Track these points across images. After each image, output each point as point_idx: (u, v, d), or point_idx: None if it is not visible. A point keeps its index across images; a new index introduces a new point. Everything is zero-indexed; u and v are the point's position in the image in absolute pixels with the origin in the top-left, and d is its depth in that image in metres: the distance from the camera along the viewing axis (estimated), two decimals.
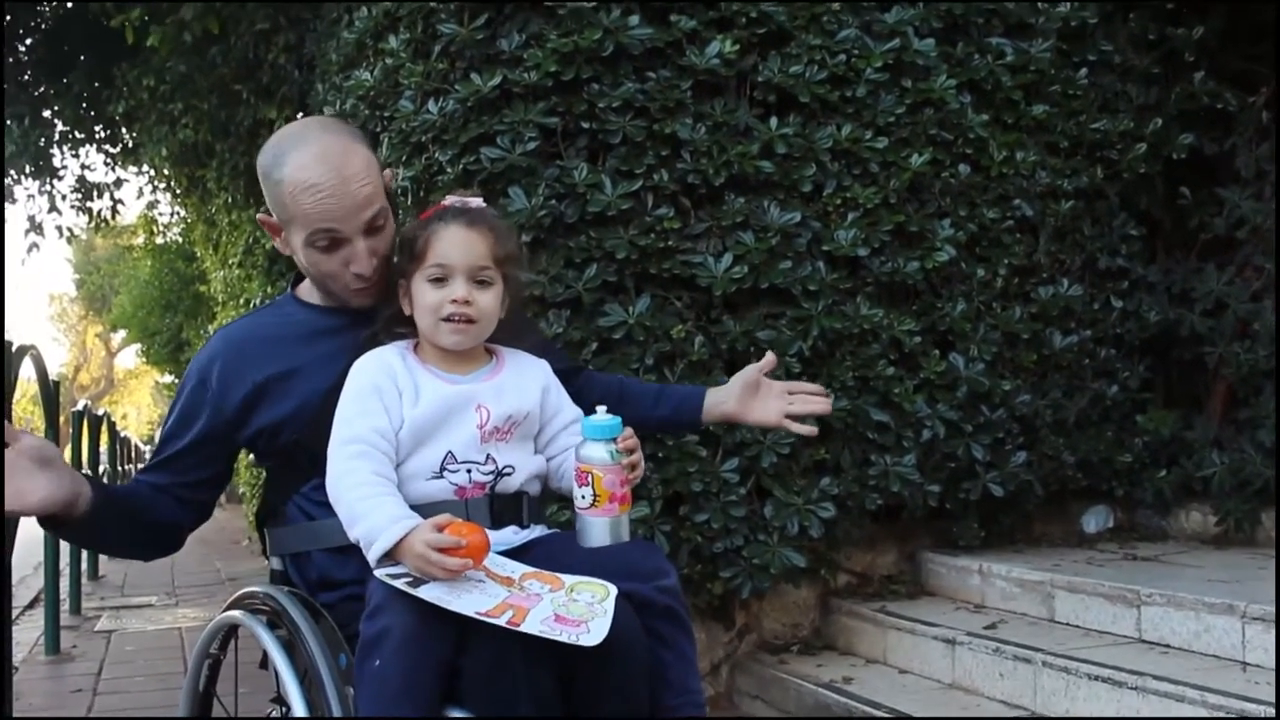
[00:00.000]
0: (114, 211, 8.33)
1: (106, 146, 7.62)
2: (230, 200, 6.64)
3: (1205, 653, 2.81)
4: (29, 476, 1.58)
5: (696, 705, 1.55)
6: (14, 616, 5.23)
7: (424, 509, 1.53)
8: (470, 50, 3.24)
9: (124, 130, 7.28)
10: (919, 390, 3.56)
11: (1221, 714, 2.42)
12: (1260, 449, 3.71)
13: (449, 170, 3.19)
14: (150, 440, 23.49)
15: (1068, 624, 3.20)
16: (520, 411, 1.66)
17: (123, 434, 12.95)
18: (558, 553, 1.60)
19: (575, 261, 3.20)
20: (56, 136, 7.28)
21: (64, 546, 5.11)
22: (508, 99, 3.19)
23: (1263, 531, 3.72)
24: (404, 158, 3.31)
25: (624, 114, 3.22)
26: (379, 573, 1.45)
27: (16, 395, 4.36)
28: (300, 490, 1.74)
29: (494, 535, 1.55)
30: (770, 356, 1.95)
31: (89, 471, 6.02)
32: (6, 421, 1.61)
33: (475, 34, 3.21)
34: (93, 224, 8.37)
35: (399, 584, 1.43)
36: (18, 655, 4.29)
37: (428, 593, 1.42)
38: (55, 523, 1.65)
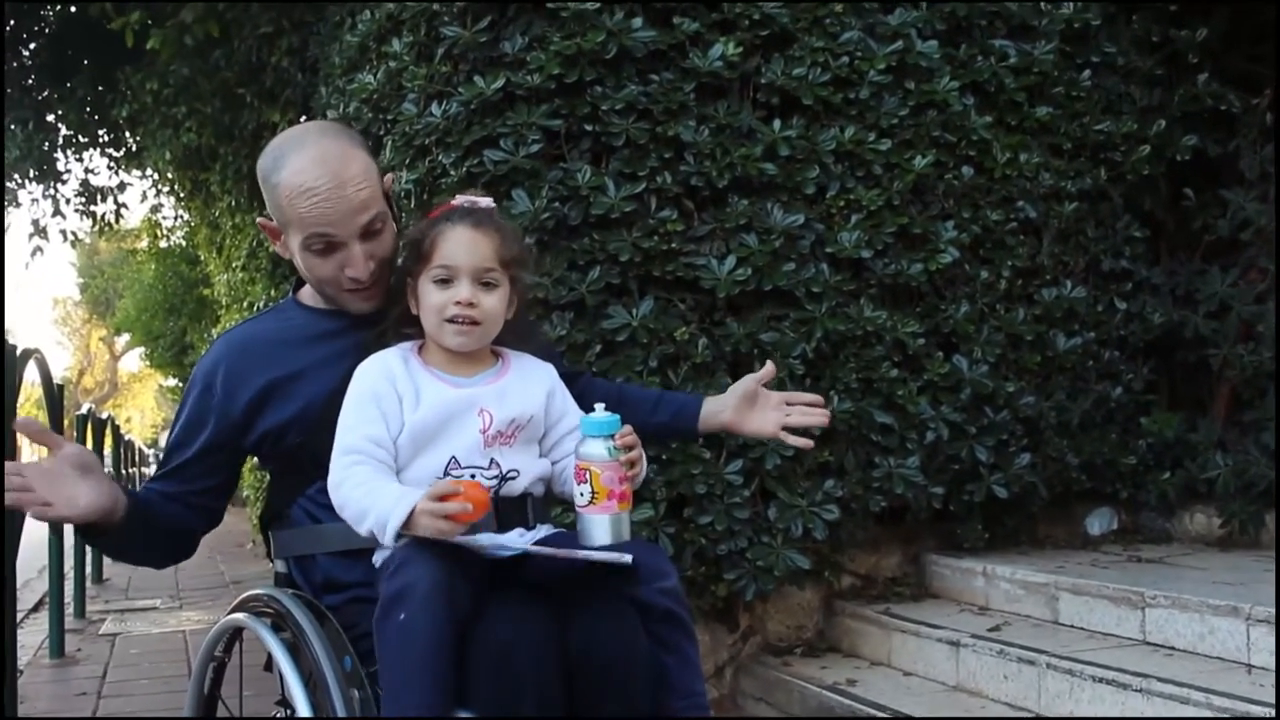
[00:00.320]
0: (118, 215, 8.37)
1: (110, 150, 7.65)
2: (234, 204, 6.64)
3: (1210, 655, 2.80)
4: (74, 484, 1.59)
5: (700, 707, 1.55)
6: (19, 620, 5.22)
7: None
8: (473, 53, 3.24)
9: (127, 134, 7.30)
10: (923, 392, 3.56)
11: (1226, 716, 2.41)
12: (1264, 451, 3.69)
13: (452, 173, 3.19)
14: (154, 444, 23.52)
15: (1072, 626, 3.20)
16: (523, 415, 1.65)
17: (127, 437, 12.94)
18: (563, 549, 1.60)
19: (578, 264, 3.20)
20: (60, 140, 7.31)
21: (68, 550, 5.10)
22: (511, 101, 3.19)
23: (1267, 534, 3.71)
24: (407, 160, 3.31)
25: (627, 116, 3.22)
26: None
27: (21, 399, 4.36)
28: (304, 493, 1.75)
29: (500, 538, 1.55)
30: (769, 367, 1.93)
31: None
32: (45, 429, 1.64)
33: (478, 37, 3.21)
34: (96, 228, 8.40)
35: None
36: (22, 658, 4.28)
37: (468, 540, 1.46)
38: (96, 531, 1.66)
